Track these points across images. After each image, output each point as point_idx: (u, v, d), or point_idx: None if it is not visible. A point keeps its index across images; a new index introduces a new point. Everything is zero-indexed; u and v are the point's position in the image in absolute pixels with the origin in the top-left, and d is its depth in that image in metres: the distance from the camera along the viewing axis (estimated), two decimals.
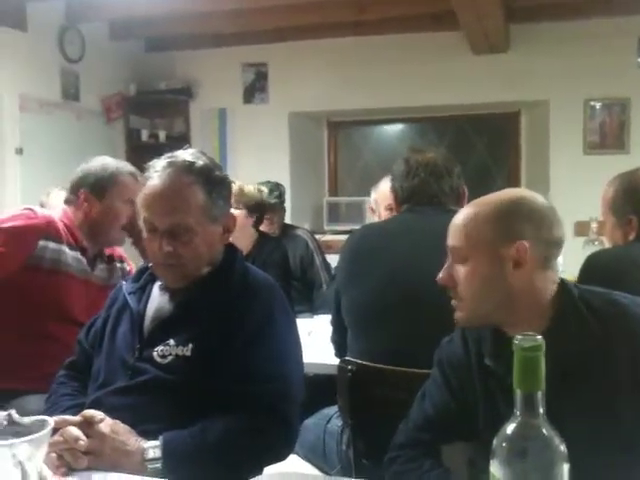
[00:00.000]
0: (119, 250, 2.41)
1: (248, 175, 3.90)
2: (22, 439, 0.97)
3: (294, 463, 1.99)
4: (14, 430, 1.03)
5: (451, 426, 1.32)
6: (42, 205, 2.88)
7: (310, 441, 2.08)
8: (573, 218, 4.21)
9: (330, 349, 2.16)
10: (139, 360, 1.47)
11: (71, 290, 2.16)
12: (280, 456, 1.47)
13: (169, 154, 1.55)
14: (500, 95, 5.03)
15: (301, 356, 1.55)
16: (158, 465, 1.30)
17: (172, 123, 5.70)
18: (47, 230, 2.11)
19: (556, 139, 4.98)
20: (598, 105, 4.90)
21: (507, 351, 0.86)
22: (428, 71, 5.07)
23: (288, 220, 4.06)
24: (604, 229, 2.22)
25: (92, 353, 1.61)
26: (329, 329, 2.17)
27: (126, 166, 2.26)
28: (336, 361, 1.92)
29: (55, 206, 2.56)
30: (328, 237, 5.07)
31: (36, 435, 0.98)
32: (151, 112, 5.66)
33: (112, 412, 1.37)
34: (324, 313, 2.79)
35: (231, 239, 1.64)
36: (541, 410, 0.81)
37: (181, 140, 5.31)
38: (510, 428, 0.82)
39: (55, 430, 1.18)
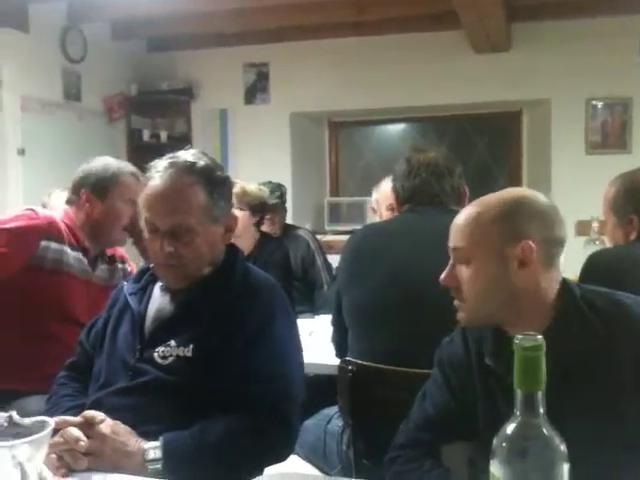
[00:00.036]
0: (120, 251, 2.42)
1: (249, 175, 3.90)
2: (22, 440, 0.97)
3: (294, 463, 1.99)
4: (14, 431, 1.03)
5: (451, 426, 1.32)
6: (44, 206, 2.88)
7: (310, 441, 2.08)
8: (574, 218, 4.20)
9: (331, 349, 2.16)
10: (140, 361, 1.47)
11: (73, 290, 2.16)
12: (280, 456, 1.47)
13: (170, 154, 1.55)
14: (502, 94, 5.02)
15: (302, 356, 1.55)
16: (158, 466, 1.30)
17: (174, 123, 5.70)
18: (49, 230, 2.11)
19: (558, 138, 4.97)
20: (600, 104, 4.89)
21: (507, 351, 0.86)
22: (429, 71, 5.06)
23: (289, 220, 4.05)
24: (605, 229, 2.21)
25: (93, 354, 1.61)
26: (330, 329, 2.16)
27: (127, 166, 2.27)
28: (337, 361, 1.92)
29: (57, 207, 2.56)
30: (329, 237, 5.07)
31: (36, 436, 0.98)
32: (153, 112, 5.66)
33: (113, 413, 1.37)
34: (325, 313, 2.79)
35: (234, 240, 1.64)
36: (541, 410, 0.81)
37: (182, 140, 5.32)
38: (510, 428, 0.82)
39: (55, 431, 1.18)
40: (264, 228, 3.31)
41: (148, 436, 1.34)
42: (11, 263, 2.04)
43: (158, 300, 1.56)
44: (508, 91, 4.99)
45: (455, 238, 1.28)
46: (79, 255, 2.19)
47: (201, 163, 1.52)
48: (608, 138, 4.91)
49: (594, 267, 1.98)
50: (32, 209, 2.16)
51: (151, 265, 1.61)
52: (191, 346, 1.44)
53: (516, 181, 5.38)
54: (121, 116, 5.42)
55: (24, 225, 2.07)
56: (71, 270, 2.15)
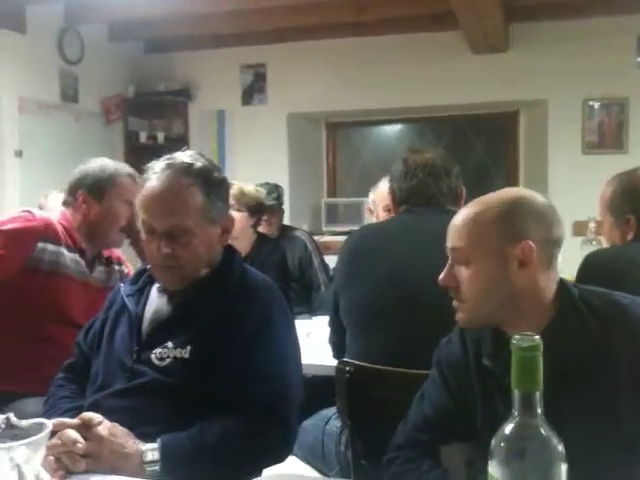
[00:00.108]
0: (117, 252, 2.41)
1: (247, 176, 3.89)
2: (20, 442, 0.96)
3: (293, 464, 1.99)
4: (12, 433, 1.03)
5: (449, 426, 1.32)
6: (40, 207, 2.88)
7: (309, 442, 2.08)
8: (571, 218, 4.19)
9: (328, 350, 2.16)
10: (137, 362, 1.47)
11: (70, 292, 2.16)
12: (279, 457, 1.47)
13: (168, 156, 1.55)
14: (499, 95, 5.03)
15: (299, 357, 1.55)
16: (156, 468, 1.30)
17: (171, 124, 5.70)
18: (45, 232, 2.11)
19: (555, 139, 4.98)
20: (597, 105, 4.90)
21: (505, 351, 0.86)
22: (427, 71, 5.07)
23: (286, 221, 4.05)
24: (602, 229, 2.22)
25: (90, 355, 1.60)
26: (327, 330, 2.16)
27: (124, 167, 2.26)
28: (334, 362, 1.92)
29: (53, 208, 2.56)
30: (326, 238, 5.07)
31: (34, 438, 0.98)
32: (150, 114, 5.66)
33: (110, 414, 1.36)
34: (322, 314, 2.79)
35: (231, 241, 1.64)
36: (539, 410, 0.81)
37: (180, 142, 5.31)
38: (508, 428, 0.82)
39: (53, 433, 1.18)
40: (261, 229, 3.31)
41: (146, 438, 1.33)
42: (8, 265, 2.04)
43: (155, 301, 1.56)
44: (506, 91, 4.99)
45: (453, 238, 1.27)
46: (76, 257, 2.18)
47: (198, 164, 1.52)
48: (605, 138, 4.92)
49: (591, 267, 1.98)
50: (29, 211, 2.15)
51: (148, 266, 1.61)
52: (188, 347, 1.43)
53: (513, 181, 5.39)
54: (118, 117, 5.42)
55: (21, 227, 2.07)
56: (68, 272, 2.15)
